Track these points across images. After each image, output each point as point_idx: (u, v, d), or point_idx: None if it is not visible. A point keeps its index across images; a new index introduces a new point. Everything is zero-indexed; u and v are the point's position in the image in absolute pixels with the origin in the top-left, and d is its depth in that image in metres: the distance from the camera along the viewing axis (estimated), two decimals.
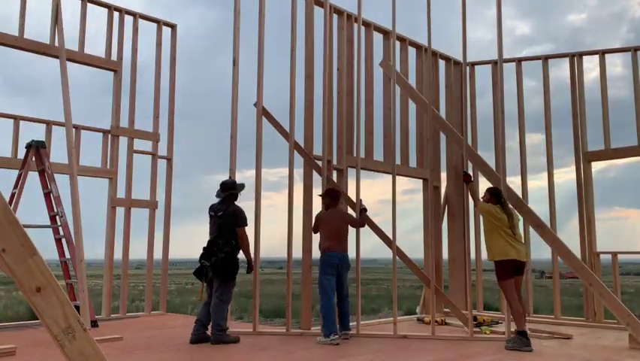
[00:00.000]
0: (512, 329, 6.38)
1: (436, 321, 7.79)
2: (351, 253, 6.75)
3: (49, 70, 7.52)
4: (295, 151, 7.14)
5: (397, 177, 7.25)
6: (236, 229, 6.25)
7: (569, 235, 8.36)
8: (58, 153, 7.80)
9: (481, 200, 6.72)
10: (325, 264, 6.47)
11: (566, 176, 8.69)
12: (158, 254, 8.74)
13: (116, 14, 8.52)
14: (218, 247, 6.16)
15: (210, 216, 6.40)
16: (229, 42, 7.23)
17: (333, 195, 6.84)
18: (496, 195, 6.64)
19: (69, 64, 7.74)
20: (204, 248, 6.26)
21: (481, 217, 6.75)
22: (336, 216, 6.71)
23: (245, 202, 6.67)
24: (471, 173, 7.52)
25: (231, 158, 6.95)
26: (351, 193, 7.36)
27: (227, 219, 6.26)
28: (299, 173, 7.36)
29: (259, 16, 7.22)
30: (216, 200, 6.48)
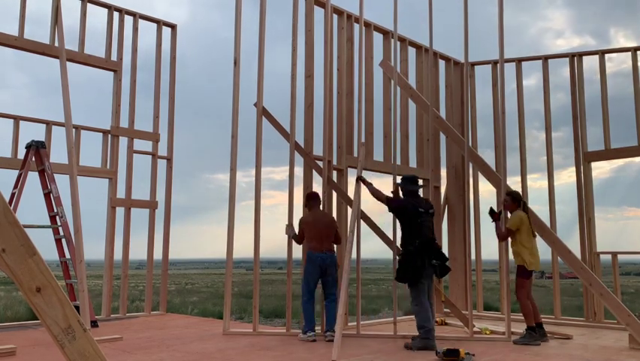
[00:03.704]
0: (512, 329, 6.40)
1: (436, 321, 7.79)
2: (352, 253, 6.75)
3: (74, 72, 7.52)
4: (296, 151, 7.15)
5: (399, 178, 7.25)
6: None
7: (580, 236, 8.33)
8: (58, 153, 7.76)
9: (501, 207, 6.79)
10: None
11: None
12: (158, 254, 8.74)
13: (116, 14, 8.52)
14: (437, 247, 6.30)
15: (420, 212, 6.24)
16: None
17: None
18: (518, 200, 6.70)
19: (69, 64, 7.74)
20: (425, 247, 6.15)
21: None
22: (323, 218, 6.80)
23: (245, 202, 6.70)
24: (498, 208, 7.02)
25: (232, 157, 6.96)
26: (351, 194, 7.36)
27: (433, 217, 6.43)
28: (302, 172, 7.38)
29: (260, 17, 7.21)
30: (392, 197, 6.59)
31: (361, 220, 7.05)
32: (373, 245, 7.27)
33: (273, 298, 16.05)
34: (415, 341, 5.98)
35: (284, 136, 7.19)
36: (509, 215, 6.70)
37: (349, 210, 7.45)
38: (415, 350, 5.79)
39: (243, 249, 6.79)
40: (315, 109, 7.38)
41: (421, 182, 6.67)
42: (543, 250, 7.50)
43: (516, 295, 6.56)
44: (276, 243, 7.16)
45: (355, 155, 7.81)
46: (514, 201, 6.70)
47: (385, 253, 7.17)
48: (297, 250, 6.91)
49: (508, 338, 6.44)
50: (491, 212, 6.79)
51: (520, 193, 7.17)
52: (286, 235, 6.85)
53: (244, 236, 6.97)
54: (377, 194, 6.58)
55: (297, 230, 6.78)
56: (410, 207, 6.32)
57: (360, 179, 6.79)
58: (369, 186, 6.71)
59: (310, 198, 6.84)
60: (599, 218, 8.45)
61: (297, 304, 7.25)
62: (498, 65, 7.45)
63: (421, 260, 6.10)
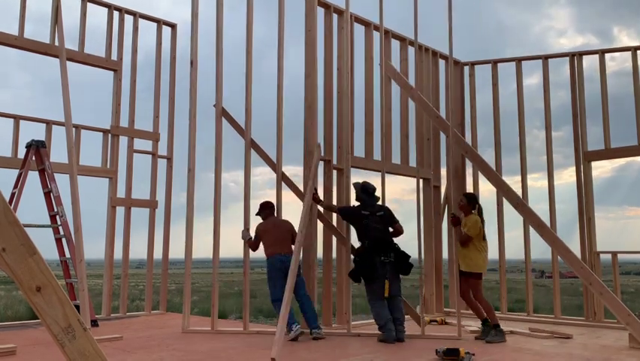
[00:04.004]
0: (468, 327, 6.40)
1: (436, 321, 7.81)
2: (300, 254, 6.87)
3: (74, 71, 7.50)
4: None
5: (402, 177, 7.27)
6: (395, 225, 6.71)
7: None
8: (58, 153, 7.79)
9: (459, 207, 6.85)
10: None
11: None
12: (158, 254, 8.74)
13: (116, 14, 8.52)
14: (392, 244, 6.53)
15: (365, 215, 6.59)
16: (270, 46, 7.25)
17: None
18: (473, 201, 6.78)
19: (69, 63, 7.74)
20: (375, 245, 6.43)
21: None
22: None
23: (243, 202, 6.72)
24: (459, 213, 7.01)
25: (190, 158, 7.02)
26: (351, 193, 7.37)
27: (388, 218, 6.68)
28: (296, 171, 7.38)
29: (217, 17, 7.19)
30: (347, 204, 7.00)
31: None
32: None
33: None
34: (381, 335, 6.38)
35: (240, 134, 7.23)
36: (462, 216, 6.78)
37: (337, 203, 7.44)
38: (379, 341, 6.26)
39: (243, 248, 6.80)
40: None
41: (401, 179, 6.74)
42: (543, 249, 7.52)
43: (475, 297, 6.63)
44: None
45: (356, 154, 7.81)
46: (469, 202, 6.77)
47: None
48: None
49: (459, 337, 6.49)
50: (454, 218, 6.86)
51: (477, 195, 7.18)
52: (343, 239, 7.03)
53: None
54: (330, 207, 7.07)
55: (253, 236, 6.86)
56: (353, 210, 6.78)
57: (314, 199, 6.88)
58: (322, 204, 6.99)
59: (264, 208, 6.97)
60: (600, 217, 8.49)
61: (256, 302, 7.25)
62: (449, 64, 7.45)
63: (370, 260, 6.39)
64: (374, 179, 7.24)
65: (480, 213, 6.75)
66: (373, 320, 6.70)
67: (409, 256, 6.61)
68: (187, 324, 6.81)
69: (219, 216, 6.90)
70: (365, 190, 6.81)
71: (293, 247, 6.63)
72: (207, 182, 7.29)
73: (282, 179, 7.12)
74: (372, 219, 6.60)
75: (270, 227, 6.78)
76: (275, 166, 7.13)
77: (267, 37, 7.28)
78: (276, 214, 6.97)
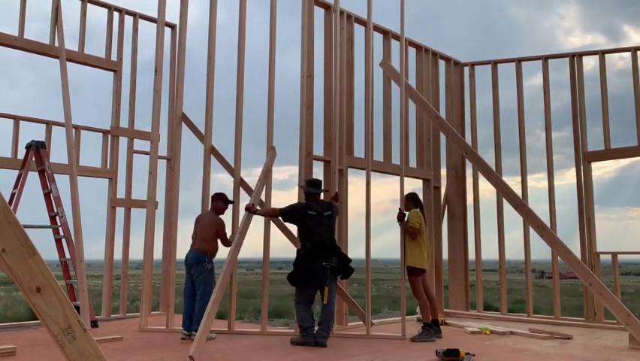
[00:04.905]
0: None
1: (441, 321, 7.80)
2: (361, 254, 6.89)
3: (74, 72, 7.52)
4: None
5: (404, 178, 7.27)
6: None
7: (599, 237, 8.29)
8: (58, 153, 7.76)
9: (404, 209, 6.89)
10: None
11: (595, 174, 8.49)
12: (158, 254, 8.72)
13: (116, 14, 8.52)
14: (335, 248, 6.28)
15: (311, 215, 6.21)
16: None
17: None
18: (417, 201, 6.88)
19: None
20: (317, 249, 6.11)
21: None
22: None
23: (246, 202, 6.70)
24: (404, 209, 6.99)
25: (151, 161, 7.12)
26: (351, 194, 7.35)
27: (333, 219, 6.41)
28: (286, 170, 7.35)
29: (180, 24, 7.29)
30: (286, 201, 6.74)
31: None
32: (373, 245, 7.23)
33: (273, 298, 16.03)
34: (296, 337, 6.23)
35: (200, 140, 7.27)
36: (407, 214, 6.84)
37: (349, 208, 7.43)
38: (294, 345, 6.05)
39: (243, 248, 6.79)
40: (315, 109, 7.40)
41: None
42: (544, 250, 7.52)
43: (414, 294, 6.68)
44: (275, 243, 7.15)
45: (355, 155, 7.80)
46: (413, 202, 6.86)
47: (385, 253, 7.19)
48: (277, 251, 7.03)
49: (404, 337, 6.52)
50: (399, 213, 6.83)
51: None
52: (294, 239, 6.91)
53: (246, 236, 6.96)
54: (269, 213, 6.67)
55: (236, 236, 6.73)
56: (298, 210, 6.36)
57: (248, 210, 6.58)
58: (259, 212, 6.66)
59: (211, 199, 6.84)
60: (603, 218, 8.52)
61: (256, 303, 7.25)
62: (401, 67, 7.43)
63: (311, 264, 6.08)
64: (375, 179, 7.23)
65: (420, 208, 6.83)
66: (378, 320, 6.70)
67: (350, 260, 6.38)
68: (144, 323, 6.93)
69: (177, 218, 7.11)
70: (312, 184, 6.48)
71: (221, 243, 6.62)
72: (196, 182, 7.30)
73: (240, 184, 7.11)
74: (319, 220, 6.23)
75: (198, 221, 6.72)
76: (232, 170, 7.12)
77: (267, 38, 7.28)
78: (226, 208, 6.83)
